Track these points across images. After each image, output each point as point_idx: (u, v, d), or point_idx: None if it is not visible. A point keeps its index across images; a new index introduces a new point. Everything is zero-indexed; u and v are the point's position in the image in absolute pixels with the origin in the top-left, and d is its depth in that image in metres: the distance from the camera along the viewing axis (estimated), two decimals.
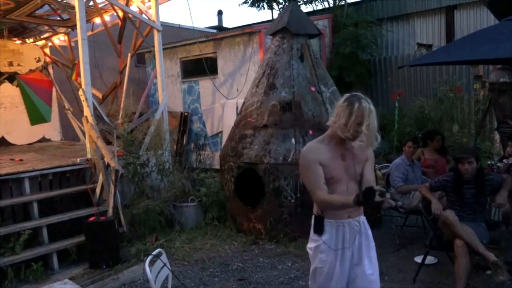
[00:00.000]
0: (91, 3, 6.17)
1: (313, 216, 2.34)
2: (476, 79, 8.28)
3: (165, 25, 7.56)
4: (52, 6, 6.44)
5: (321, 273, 2.30)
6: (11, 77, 7.79)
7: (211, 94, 9.09)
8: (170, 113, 8.45)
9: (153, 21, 6.28)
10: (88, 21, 6.79)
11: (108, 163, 4.79)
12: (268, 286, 3.86)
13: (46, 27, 7.67)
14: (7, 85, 7.76)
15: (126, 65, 6.76)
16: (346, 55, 9.56)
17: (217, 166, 6.29)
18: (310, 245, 2.37)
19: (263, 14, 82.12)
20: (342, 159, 2.26)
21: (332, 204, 2.20)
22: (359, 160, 2.31)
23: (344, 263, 2.29)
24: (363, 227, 2.38)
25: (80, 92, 5.34)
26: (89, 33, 6.80)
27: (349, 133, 2.14)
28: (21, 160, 5.50)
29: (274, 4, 12.45)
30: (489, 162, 4.85)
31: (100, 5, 6.44)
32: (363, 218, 2.39)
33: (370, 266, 2.33)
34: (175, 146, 8.68)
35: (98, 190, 4.92)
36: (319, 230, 2.28)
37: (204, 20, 57.09)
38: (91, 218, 4.49)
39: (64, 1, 6.12)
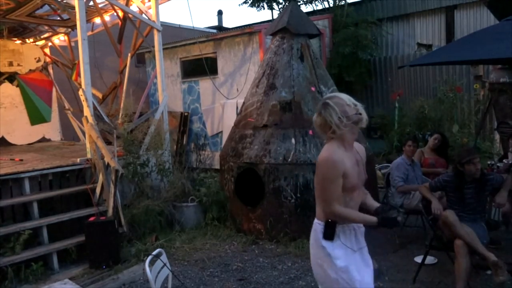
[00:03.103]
0: (91, 3, 6.17)
1: (321, 223, 2.19)
2: (476, 79, 8.28)
3: (165, 25, 7.56)
4: (52, 6, 6.43)
5: (345, 281, 2.13)
6: (11, 77, 7.79)
7: (211, 94, 9.09)
8: (170, 113, 8.45)
9: (153, 21, 6.28)
10: (88, 21, 6.79)
11: (108, 163, 4.78)
12: (268, 286, 3.86)
13: (46, 27, 7.67)
14: (7, 85, 7.77)
15: (126, 65, 6.76)
16: (346, 55, 9.56)
17: (217, 166, 6.29)
18: (319, 254, 2.19)
19: (263, 14, 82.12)
20: (357, 165, 2.21)
21: (349, 219, 2.15)
22: (363, 163, 2.29)
23: (363, 263, 2.27)
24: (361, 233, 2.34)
25: (80, 92, 5.34)
26: (89, 33, 6.80)
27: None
28: (21, 160, 5.50)
29: (274, 4, 12.46)
30: (489, 162, 4.85)
31: (100, 5, 6.44)
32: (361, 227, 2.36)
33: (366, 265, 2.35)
34: (175, 146, 8.68)
35: (98, 190, 4.92)
36: (331, 236, 2.16)
37: (204, 20, 57.15)
38: (91, 218, 4.48)
39: (64, 1, 6.11)
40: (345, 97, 2.15)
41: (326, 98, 2.20)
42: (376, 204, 2.36)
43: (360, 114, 2.12)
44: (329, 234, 2.16)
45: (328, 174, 2.11)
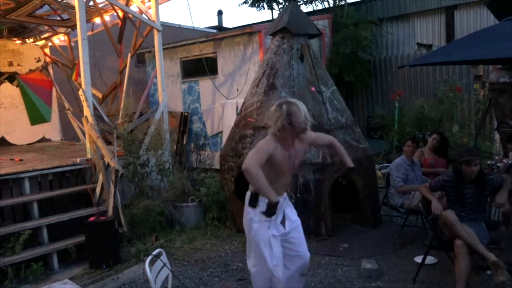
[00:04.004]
0: (91, 3, 6.17)
1: (249, 194, 2.89)
2: (476, 79, 8.28)
3: (165, 25, 7.56)
4: (52, 6, 6.43)
5: (257, 242, 2.83)
6: (11, 77, 7.79)
7: (211, 94, 9.09)
8: (170, 113, 8.45)
9: (153, 21, 6.28)
10: (88, 21, 6.79)
11: (108, 163, 4.78)
12: None
13: (46, 27, 7.67)
14: (7, 85, 7.76)
15: (126, 65, 6.76)
16: (346, 55, 9.56)
17: (217, 166, 6.29)
18: (246, 217, 2.91)
19: (263, 14, 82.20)
20: (289, 159, 2.83)
21: (256, 182, 2.63)
22: (299, 158, 2.94)
23: (275, 228, 2.84)
24: (286, 202, 3.02)
25: (80, 92, 5.34)
26: (89, 33, 6.80)
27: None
28: (21, 160, 5.50)
29: (274, 4, 12.45)
30: (489, 162, 4.85)
31: (100, 5, 6.44)
32: (285, 195, 3.02)
33: (292, 214, 3.02)
34: (175, 146, 8.68)
35: (98, 190, 4.92)
36: (254, 204, 2.84)
37: (204, 20, 57.13)
38: (91, 218, 4.48)
39: (64, 1, 6.12)
40: (303, 109, 2.69)
41: (288, 101, 2.75)
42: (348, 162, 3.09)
43: (305, 129, 2.73)
44: (252, 202, 2.85)
45: (258, 149, 2.70)
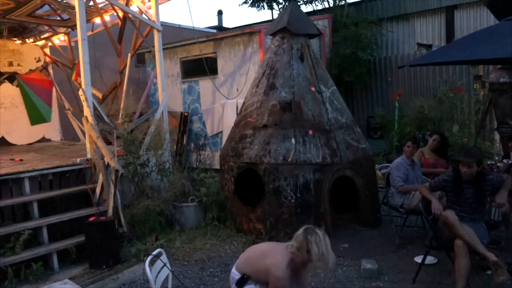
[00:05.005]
0: (91, 3, 6.17)
1: (238, 274, 2.90)
2: (476, 79, 8.27)
3: (165, 25, 7.56)
4: (52, 6, 6.43)
5: None
6: (11, 77, 7.79)
7: (211, 94, 9.09)
8: (170, 113, 8.44)
9: (153, 21, 6.28)
10: (88, 21, 6.79)
11: (108, 163, 4.78)
12: None
13: (46, 27, 7.67)
14: (7, 85, 7.76)
15: (126, 65, 6.76)
16: (346, 55, 9.55)
17: (217, 166, 6.29)
18: None
19: (263, 14, 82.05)
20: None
21: None
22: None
23: None
24: None
25: (80, 92, 5.34)
26: (89, 33, 6.80)
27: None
28: (21, 160, 5.50)
29: (274, 4, 12.46)
30: (489, 162, 4.85)
31: (100, 5, 6.44)
32: None
33: None
34: (175, 146, 8.68)
35: (98, 190, 4.92)
36: (241, 286, 2.87)
37: (204, 20, 57.11)
38: (91, 218, 4.48)
39: (64, 1, 6.12)
40: (325, 250, 2.65)
41: (318, 233, 2.71)
42: None
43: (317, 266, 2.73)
44: (240, 284, 2.88)
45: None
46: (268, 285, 2.78)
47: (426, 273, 3.85)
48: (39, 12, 6.75)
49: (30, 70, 7.77)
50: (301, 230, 2.77)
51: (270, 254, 2.81)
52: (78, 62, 5.75)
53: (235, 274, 2.93)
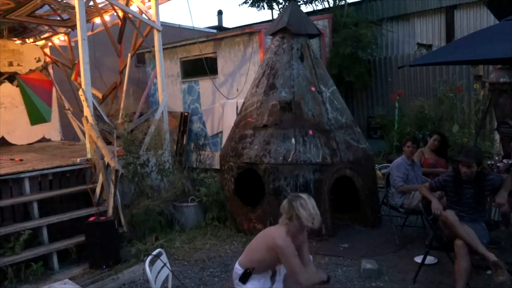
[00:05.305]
0: (91, 3, 6.17)
1: (241, 270, 2.92)
2: (476, 79, 8.26)
3: (165, 25, 7.56)
4: (52, 6, 6.43)
5: None
6: (11, 77, 7.78)
7: (211, 94, 9.09)
8: (170, 113, 8.44)
9: (153, 21, 6.28)
10: (88, 21, 6.79)
11: (108, 163, 4.78)
12: None
13: (46, 27, 7.67)
14: (7, 85, 7.76)
15: (126, 65, 6.76)
16: (346, 55, 9.55)
17: (217, 166, 6.29)
18: None
19: (263, 14, 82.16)
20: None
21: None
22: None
23: None
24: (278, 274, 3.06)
25: (80, 92, 5.34)
26: (89, 33, 6.80)
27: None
28: (21, 160, 5.50)
29: (274, 4, 12.45)
30: (489, 162, 4.85)
31: (100, 5, 6.44)
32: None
33: None
34: (175, 146, 8.68)
35: (98, 190, 4.92)
36: (244, 281, 2.90)
37: (204, 20, 57.10)
38: (91, 218, 4.48)
39: (64, 1, 6.12)
40: (312, 210, 2.76)
41: (301, 196, 2.82)
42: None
43: (309, 227, 2.78)
44: (243, 279, 2.91)
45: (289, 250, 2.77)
46: (275, 268, 2.98)
47: (426, 273, 3.84)
48: (39, 12, 6.75)
49: (30, 70, 7.77)
50: (285, 201, 2.88)
51: (268, 235, 2.93)
52: (78, 62, 5.75)
53: (238, 270, 2.97)
